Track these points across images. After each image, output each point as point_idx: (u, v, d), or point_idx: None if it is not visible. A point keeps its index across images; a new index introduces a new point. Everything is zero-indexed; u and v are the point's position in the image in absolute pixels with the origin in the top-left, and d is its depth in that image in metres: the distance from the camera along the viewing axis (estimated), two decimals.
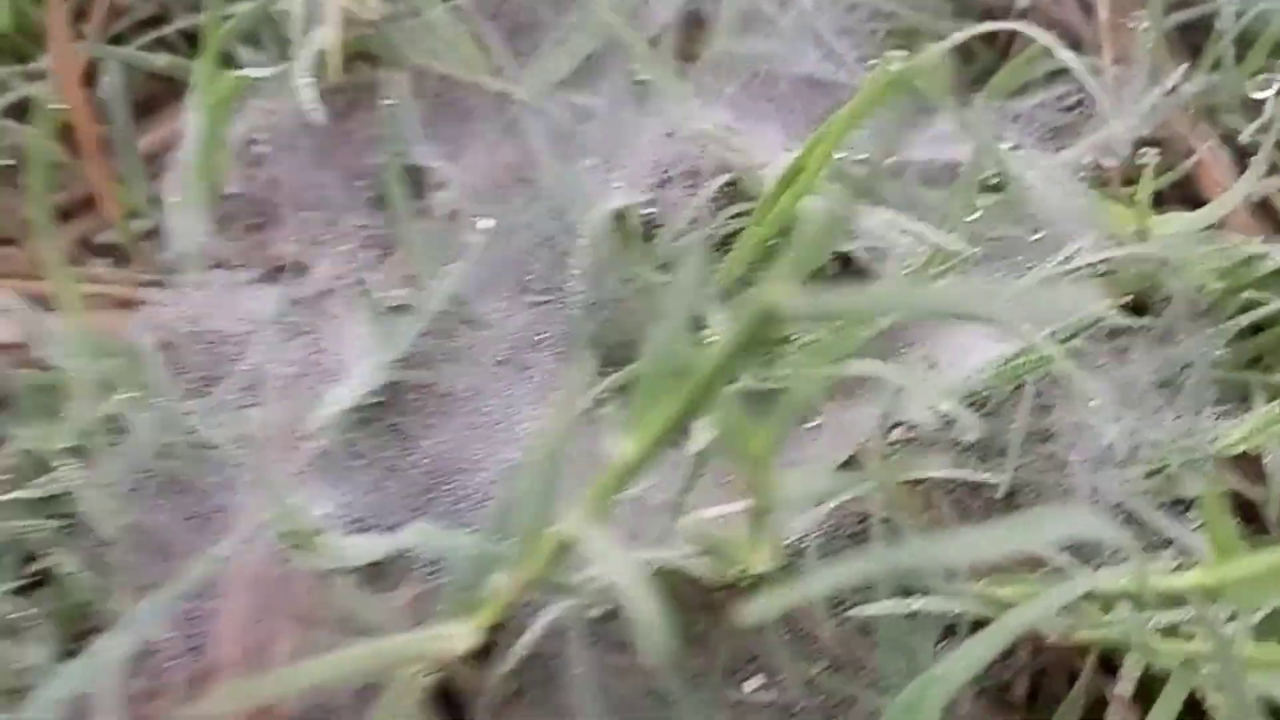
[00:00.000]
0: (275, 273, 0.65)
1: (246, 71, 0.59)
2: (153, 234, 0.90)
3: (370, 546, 0.48)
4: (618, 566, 0.35)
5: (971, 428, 0.46)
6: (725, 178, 0.65)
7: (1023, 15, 0.97)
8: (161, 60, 0.81)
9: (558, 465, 0.42)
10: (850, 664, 0.56)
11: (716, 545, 0.45)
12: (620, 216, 0.66)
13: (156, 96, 0.95)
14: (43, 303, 0.88)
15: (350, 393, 0.53)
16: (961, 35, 0.69)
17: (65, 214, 0.96)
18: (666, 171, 0.67)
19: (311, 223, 0.66)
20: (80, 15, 0.91)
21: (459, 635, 0.43)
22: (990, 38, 0.97)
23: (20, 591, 0.66)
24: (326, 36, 0.63)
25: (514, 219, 0.68)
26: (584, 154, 0.70)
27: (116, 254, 0.90)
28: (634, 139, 0.69)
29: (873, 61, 0.70)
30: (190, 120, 0.67)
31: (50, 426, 0.63)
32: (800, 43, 0.77)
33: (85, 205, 0.98)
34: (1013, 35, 1.00)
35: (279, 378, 0.58)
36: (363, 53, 0.71)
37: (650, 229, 0.68)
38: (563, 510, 0.39)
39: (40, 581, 0.68)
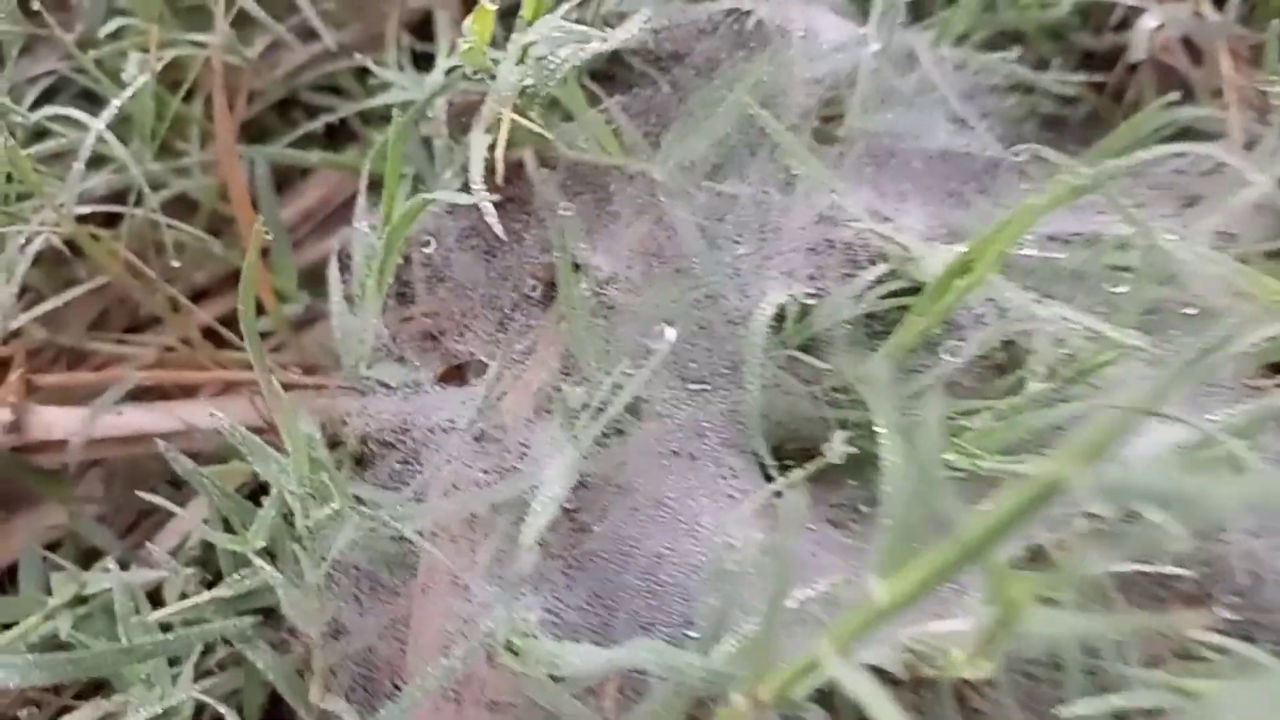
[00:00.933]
0: (452, 372, 0.68)
1: (434, 195, 0.62)
2: (304, 324, 0.95)
3: (594, 659, 0.50)
4: (868, 696, 0.37)
5: (1179, 537, 0.47)
6: (882, 268, 0.66)
7: (1133, 67, 0.98)
8: (314, 158, 0.85)
9: (782, 593, 0.44)
10: None
11: (937, 655, 0.47)
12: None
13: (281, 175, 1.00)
14: (189, 390, 0.93)
15: (556, 498, 0.56)
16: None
17: (201, 295, 1.01)
18: (820, 258, 0.69)
19: (483, 321, 0.68)
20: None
21: None
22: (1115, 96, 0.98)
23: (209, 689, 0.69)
24: (489, 147, 0.66)
25: (672, 310, 0.70)
26: (734, 240, 0.72)
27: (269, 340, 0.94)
28: (783, 225, 0.71)
29: (1017, 146, 0.72)
30: (360, 233, 0.70)
31: (245, 528, 0.67)
32: (931, 115, 0.79)
33: (223, 286, 1.03)
34: (1123, 81, 1.01)
35: (470, 479, 0.61)
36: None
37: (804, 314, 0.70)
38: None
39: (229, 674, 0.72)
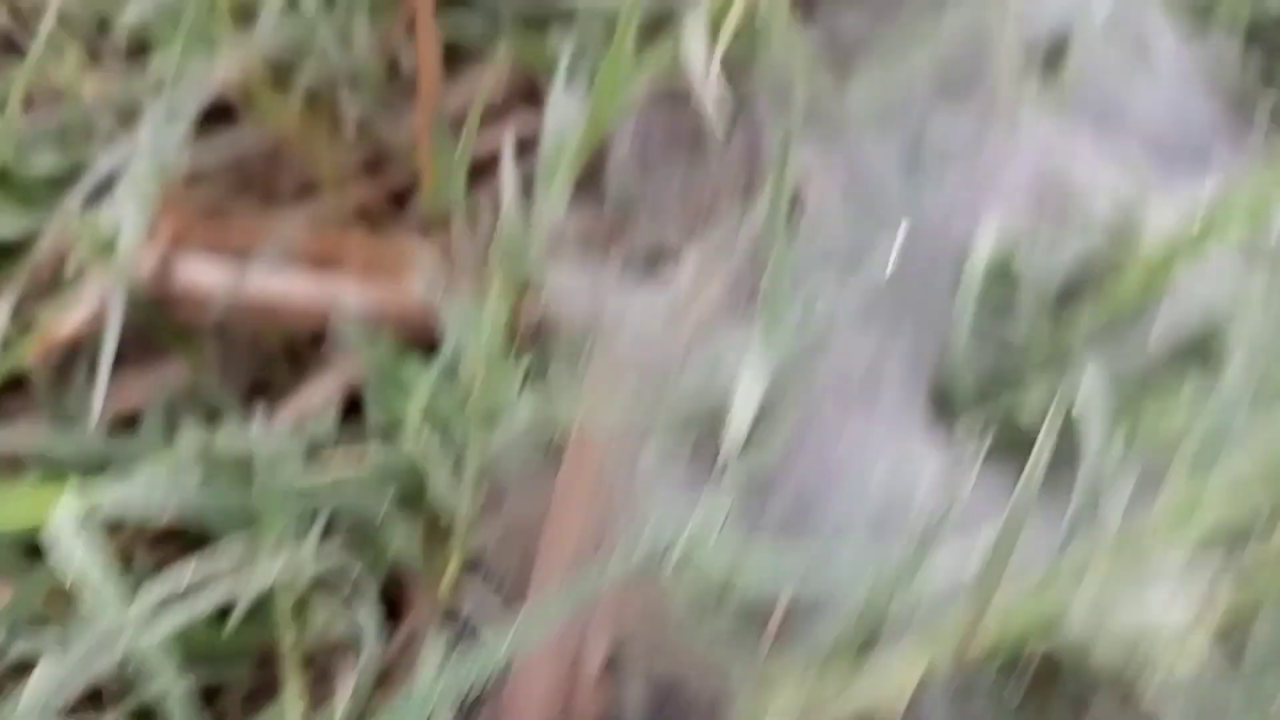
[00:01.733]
0: (645, 261, 0.66)
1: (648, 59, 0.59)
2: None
3: (779, 563, 0.47)
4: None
5: None
6: (1100, 219, 0.62)
7: None
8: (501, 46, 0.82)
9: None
10: None
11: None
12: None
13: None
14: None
15: (746, 421, 0.53)
16: None
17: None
18: (1037, 203, 0.65)
19: (679, 218, 0.66)
20: None
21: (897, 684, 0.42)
22: None
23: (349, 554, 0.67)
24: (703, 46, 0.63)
25: (863, 234, 0.67)
26: (940, 173, 0.68)
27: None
28: (996, 164, 0.67)
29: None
30: (561, 104, 0.67)
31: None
32: (1150, 88, 0.74)
33: (374, 165, 1.01)
34: None
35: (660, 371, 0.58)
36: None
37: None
38: None
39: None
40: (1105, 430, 0.56)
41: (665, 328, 0.61)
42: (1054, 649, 0.49)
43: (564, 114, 0.67)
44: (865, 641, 0.49)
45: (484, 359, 0.56)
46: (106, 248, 0.74)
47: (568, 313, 0.62)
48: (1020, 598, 0.41)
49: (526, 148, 0.82)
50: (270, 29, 0.76)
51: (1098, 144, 0.70)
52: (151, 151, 0.77)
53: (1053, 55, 0.72)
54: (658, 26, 0.83)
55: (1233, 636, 0.50)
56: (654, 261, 0.66)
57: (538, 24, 0.99)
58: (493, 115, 1.02)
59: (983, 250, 0.60)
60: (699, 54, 0.62)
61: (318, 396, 0.89)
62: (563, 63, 0.71)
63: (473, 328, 0.57)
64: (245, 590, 0.63)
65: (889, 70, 0.73)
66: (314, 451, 0.72)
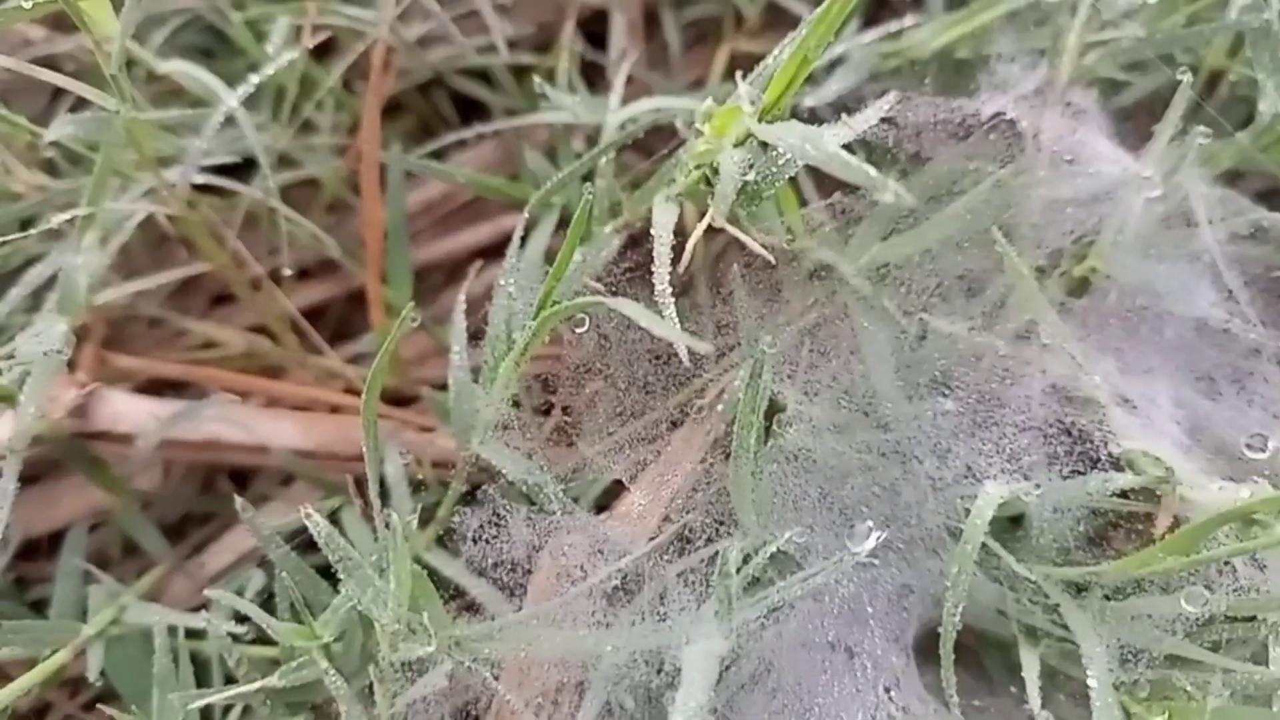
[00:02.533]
0: (573, 474, 0.58)
1: (605, 300, 0.50)
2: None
3: None
4: None
5: None
6: (1126, 479, 0.54)
7: None
8: (463, 174, 0.74)
9: None
10: None
11: None
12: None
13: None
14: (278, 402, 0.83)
15: (702, 700, 0.45)
16: None
17: (302, 274, 0.91)
18: (1047, 444, 0.57)
19: (632, 436, 0.58)
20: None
21: None
22: None
23: None
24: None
25: (854, 462, 0.59)
26: (941, 392, 0.60)
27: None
28: (1006, 394, 0.59)
29: None
30: (503, 298, 0.59)
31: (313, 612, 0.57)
32: (1192, 274, 0.66)
33: (325, 270, 0.93)
34: None
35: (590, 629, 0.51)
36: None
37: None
38: None
39: None
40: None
41: (605, 570, 0.53)
42: None
43: (514, 291, 0.59)
44: None
45: (389, 619, 0.48)
46: (11, 393, 0.66)
47: (504, 556, 0.54)
48: None
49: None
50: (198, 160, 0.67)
51: (1123, 358, 0.62)
52: (74, 279, 0.69)
53: (1077, 259, 0.64)
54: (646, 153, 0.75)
55: None
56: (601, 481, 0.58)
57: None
58: (469, 213, 0.95)
59: (989, 498, 0.52)
60: (666, 233, 0.54)
61: (250, 541, 0.82)
62: (518, 230, 0.63)
63: (373, 597, 0.49)
64: None
65: (885, 243, 0.65)
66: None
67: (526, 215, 0.64)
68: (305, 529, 0.59)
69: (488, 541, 0.57)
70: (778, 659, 0.53)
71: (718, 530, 0.56)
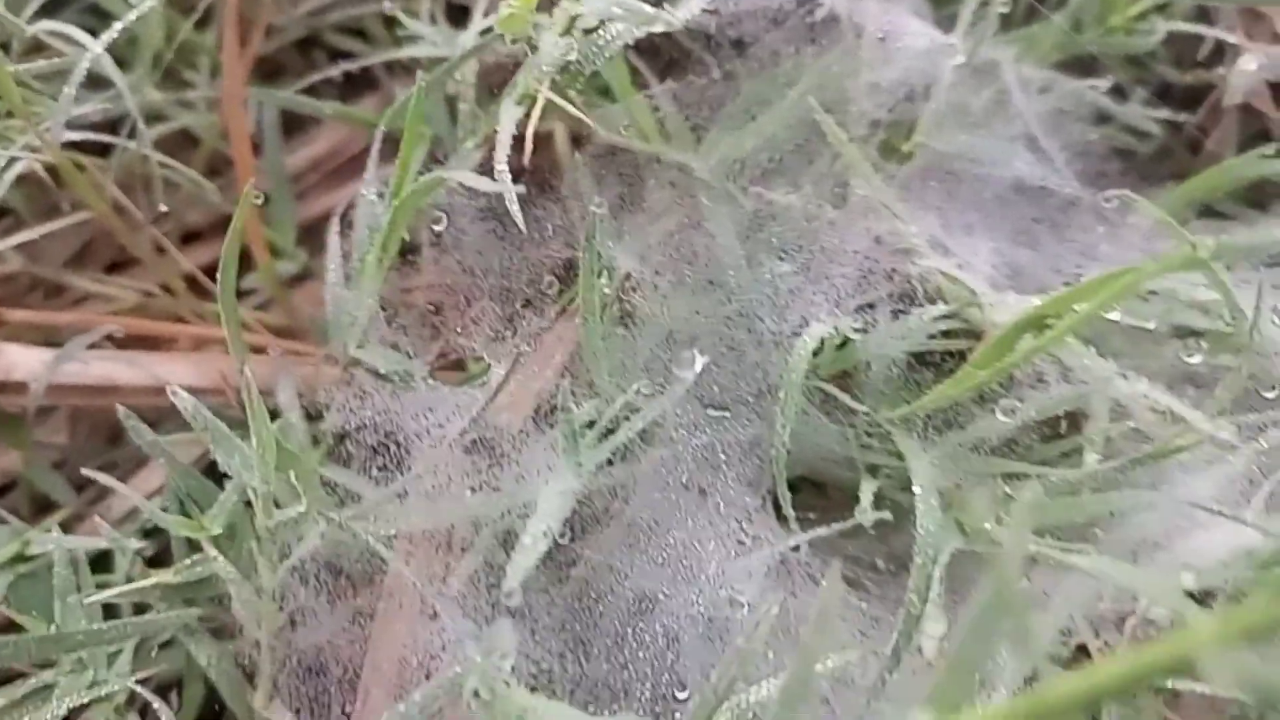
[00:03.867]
0: (449, 365, 0.61)
1: (446, 173, 0.54)
2: (298, 280, 0.88)
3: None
4: None
5: None
6: (940, 309, 0.59)
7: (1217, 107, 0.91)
8: (328, 108, 0.78)
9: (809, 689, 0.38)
10: None
11: None
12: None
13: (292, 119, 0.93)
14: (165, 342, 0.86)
15: (550, 531, 0.49)
16: None
17: (192, 237, 0.94)
18: (871, 287, 0.62)
19: (488, 314, 0.62)
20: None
21: None
22: (1177, 126, 0.90)
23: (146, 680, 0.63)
24: (518, 122, 0.59)
25: (700, 325, 0.63)
26: (778, 256, 0.65)
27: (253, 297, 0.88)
28: (834, 246, 0.64)
29: (1100, 188, 0.64)
30: (366, 200, 0.63)
31: (205, 508, 0.60)
32: (1007, 140, 0.71)
33: (216, 230, 0.96)
34: (1203, 129, 0.93)
35: (454, 491, 0.54)
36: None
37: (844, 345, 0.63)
38: None
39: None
40: (936, 520, 0.53)
41: (470, 439, 0.57)
42: None
43: (375, 198, 0.63)
44: None
45: (259, 482, 0.52)
46: None
47: (368, 421, 0.58)
48: None
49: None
50: (68, 107, 0.70)
51: (945, 217, 0.67)
52: None
53: (898, 126, 0.69)
54: (508, 75, 0.79)
55: None
56: (461, 362, 0.62)
57: (403, 70, 0.94)
58: (348, 172, 0.99)
59: (813, 335, 0.56)
60: (507, 131, 0.58)
61: (155, 480, 0.84)
62: (375, 141, 0.66)
63: (244, 462, 0.52)
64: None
65: (733, 137, 0.70)
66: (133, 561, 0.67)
67: (382, 130, 0.68)
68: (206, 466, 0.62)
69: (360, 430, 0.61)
70: (632, 499, 0.57)
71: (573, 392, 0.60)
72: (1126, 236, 0.70)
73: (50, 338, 0.82)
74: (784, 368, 0.62)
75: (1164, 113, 0.86)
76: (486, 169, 0.70)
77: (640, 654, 0.53)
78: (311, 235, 0.90)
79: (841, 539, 0.61)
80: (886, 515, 0.54)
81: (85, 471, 0.63)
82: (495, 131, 0.72)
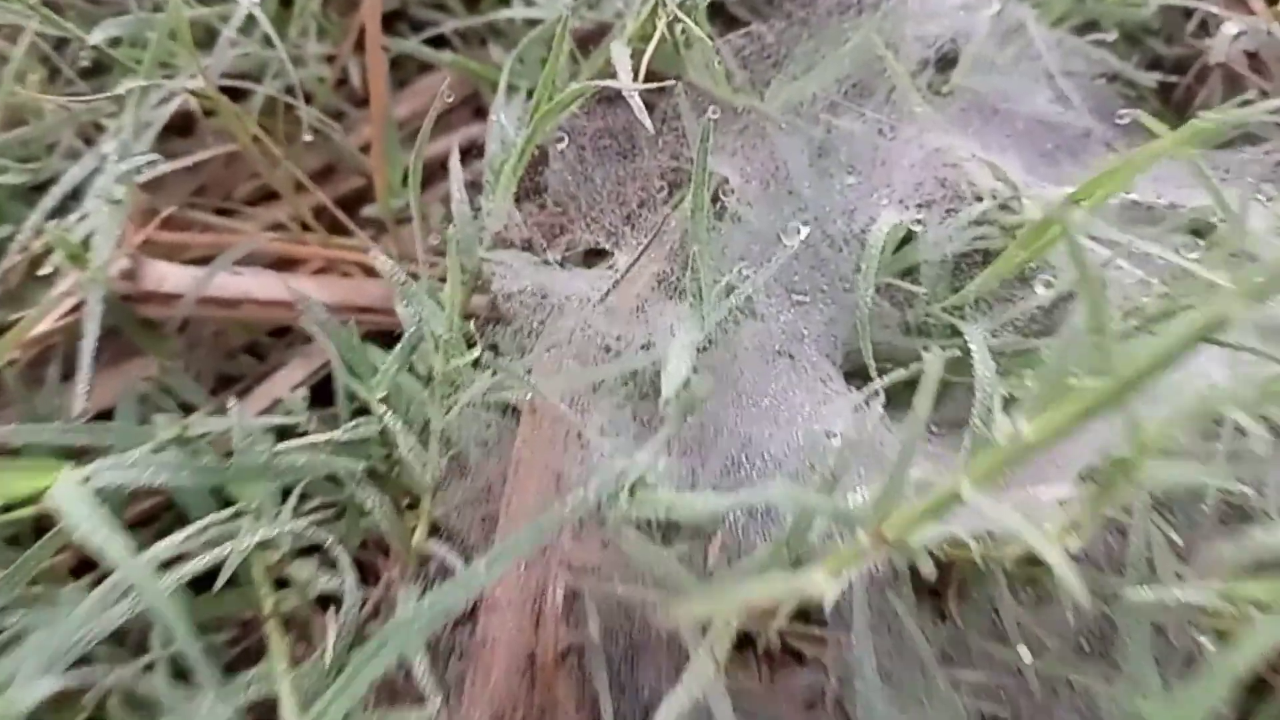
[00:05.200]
0: (580, 257, 0.73)
1: (591, 84, 0.67)
2: (401, 220, 0.99)
3: (719, 502, 0.55)
4: (1011, 522, 0.43)
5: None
6: (987, 204, 0.72)
7: (1200, 76, 1.05)
8: (446, 57, 0.89)
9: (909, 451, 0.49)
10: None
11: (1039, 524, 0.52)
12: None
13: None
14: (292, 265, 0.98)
15: (681, 372, 0.61)
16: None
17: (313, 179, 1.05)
18: (927, 192, 0.74)
19: (611, 215, 0.73)
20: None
21: (821, 583, 0.50)
22: (1167, 89, 1.04)
23: (322, 524, 0.74)
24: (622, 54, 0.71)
25: (782, 226, 0.75)
26: (846, 171, 0.77)
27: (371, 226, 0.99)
28: (893, 160, 0.76)
29: (1120, 112, 0.77)
30: (497, 124, 0.75)
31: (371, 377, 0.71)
32: (1031, 83, 0.84)
33: (320, 178, 1.07)
34: (1191, 87, 1.07)
35: (599, 347, 0.66)
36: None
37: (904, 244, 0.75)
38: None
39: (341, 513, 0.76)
40: (991, 378, 0.65)
41: (605, 305, 0.69)
42: (954, 553, 0.58)
43: (506, 121, 0.74)
44: (795, 558, 0.57)
45: (443, 337, 0.63)
46: (79, 252, 0.80)
47: (516, 295, 0.69)
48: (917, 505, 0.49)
49: (472, 154, 0.90)
50: (227, 49, 0.81)
51: (983, 140, 0.80)
52: (119, 161, 0.82)
53: (944, 63, 0.81)
54: (591, 40, 0.92)
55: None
56: (593, 250, 0.74)
57: (479, 41, 1.07)
58: (440, 125, 1.10)
59: (880, 232, 0.69)
60: (626, 65, 0.70)
61: (285, 384, 0.95)
62: (504, 76, 0.78)
63: (430, 312, 0.64)
64: (227, 559, 0.70)
65: (800, 78, 0.82)
66: (286, 433, 0.78)
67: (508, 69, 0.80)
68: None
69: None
70: (737, 357, 0.68)
71: (684, 274, 0.72)
72: None
73: (189, 262, 0.93)
74: (855, 259, 0.74)
75: (1157, 75, 0.99)
76: (589, 110, 0.83)
77: (751, 475, 0.65)
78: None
79: (901, 409, 0.73)
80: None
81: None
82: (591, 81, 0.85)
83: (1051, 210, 0.66)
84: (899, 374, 0.65)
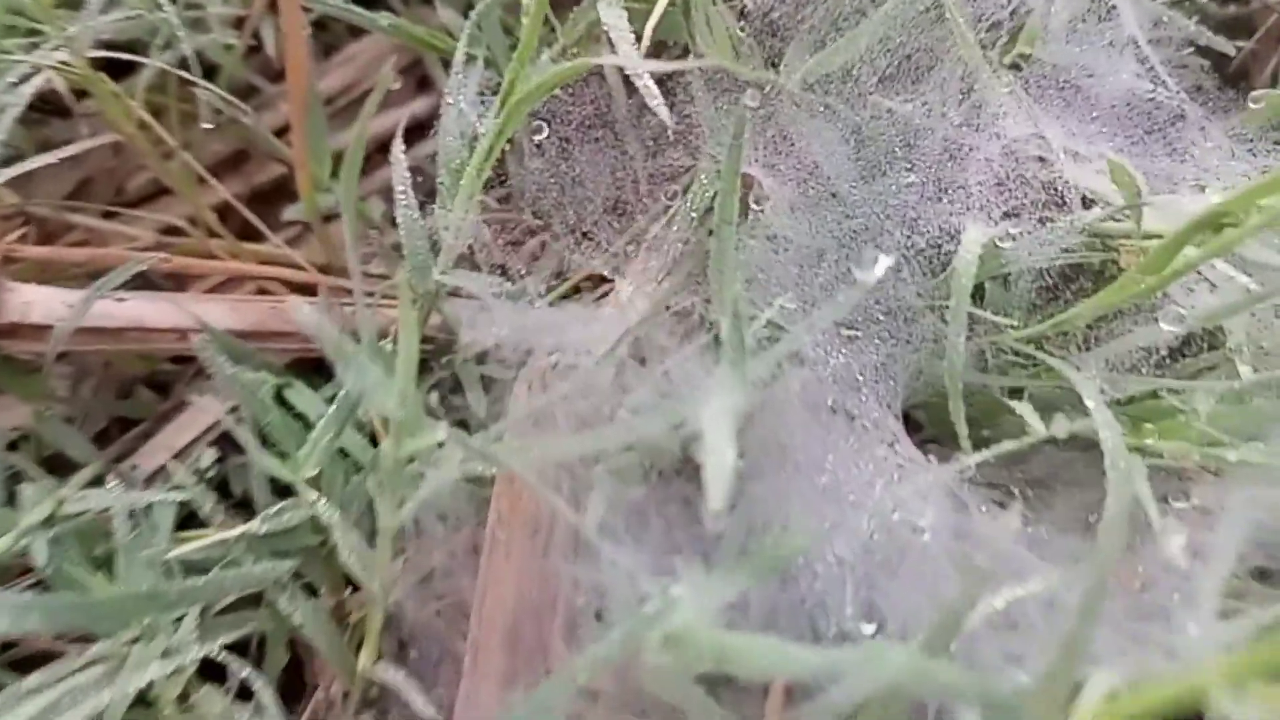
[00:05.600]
0: (563, 282, 0.56)
1: (596, 60, 0.49)
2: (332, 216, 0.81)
3: (787, 658, 0.39)
4: None
5: None
6: (1095, 214, 0.56)
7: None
8: (385, 20, 0.71)
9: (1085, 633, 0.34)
10: None
11: None
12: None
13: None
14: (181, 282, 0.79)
15: (727, 460, 0.44)
16: None
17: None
18: (1012, 196, 0.58)
19: (606, 230, 0.56)
20: None
21: None
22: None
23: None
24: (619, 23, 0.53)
25: (824, 240, 0.59)
26: (904, 166, 0.61)
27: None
28: (966, 156, 0.60)
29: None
30: (452, 111, 0.57)
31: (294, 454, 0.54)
32: (1116, 55, 0.69)
33: (227, 167, 0.88)
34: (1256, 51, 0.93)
35: (599, 413, 0.49)
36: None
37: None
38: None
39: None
40: (1120, 445, 0.49)
41: (600, 354, 0.52)
42: None
43: (465, 105, 0.57)
44: None
45: (395, 404, 0.45)
46: None
47: (486, 339, 0.52)
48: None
49: (415, 135, 0.72)
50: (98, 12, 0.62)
51: (1065, 127, 0.64)
52: None
53: (1013, 32, 0.65)
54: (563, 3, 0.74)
55: None
56: (581, 272, 0.57)
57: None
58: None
59: (970, 252, 0.53)
60: (621, 28, 0.53)
61: (192, 428, 0.77)
62: (461, 44, 0.60)
63: (374, 384, 0.46)
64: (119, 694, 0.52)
65: (830, 49, 0.66)
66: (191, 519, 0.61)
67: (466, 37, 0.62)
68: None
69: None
70: (787, 419, 0.52)
71: (707, 308, 0.55)
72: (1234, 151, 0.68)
73: (64, 280, 0.74)
74: (918, 281, 0.58)
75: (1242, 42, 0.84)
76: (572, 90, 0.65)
77: (814, 587, 0.49)
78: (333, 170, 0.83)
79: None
80: (1062, 431, 0.50)
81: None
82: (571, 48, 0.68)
83: (1185, 229, 0.51)
84: (1004, 447, 0.49)
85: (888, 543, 0.49)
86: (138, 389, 0.82)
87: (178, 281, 0.79)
